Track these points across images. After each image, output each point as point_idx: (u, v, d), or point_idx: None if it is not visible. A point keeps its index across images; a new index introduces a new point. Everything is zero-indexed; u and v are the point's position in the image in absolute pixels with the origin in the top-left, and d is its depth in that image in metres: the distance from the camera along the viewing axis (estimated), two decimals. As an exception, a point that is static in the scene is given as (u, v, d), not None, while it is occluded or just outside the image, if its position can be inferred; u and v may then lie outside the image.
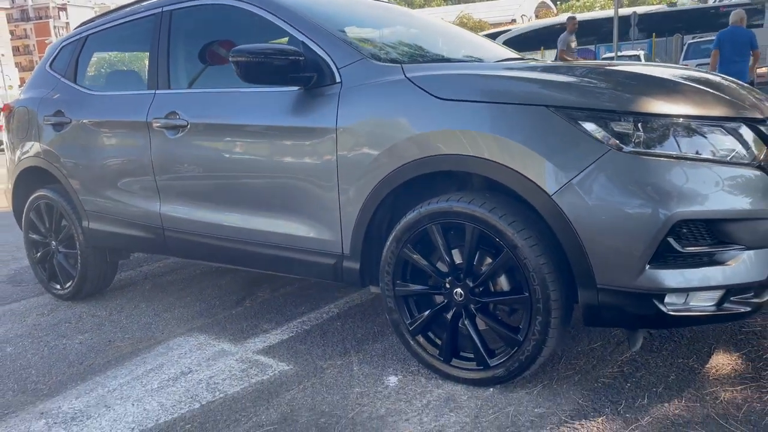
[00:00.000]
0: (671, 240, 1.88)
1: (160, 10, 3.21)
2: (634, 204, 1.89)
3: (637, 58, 21.63)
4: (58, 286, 3.86)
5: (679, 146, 1.92)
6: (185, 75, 3.18)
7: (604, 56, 23.26)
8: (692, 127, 1.95)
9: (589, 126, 1.94)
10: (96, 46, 3.70)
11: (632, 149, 1.91)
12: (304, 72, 2.49)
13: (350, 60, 2.49)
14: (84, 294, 3.79)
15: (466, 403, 2.18)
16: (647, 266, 1.90)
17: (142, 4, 3.35)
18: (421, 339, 2.39)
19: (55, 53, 3.85)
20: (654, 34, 25.99)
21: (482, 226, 2.12)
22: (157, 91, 3.11)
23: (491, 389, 2.25)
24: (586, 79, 2.11)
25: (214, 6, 2.97)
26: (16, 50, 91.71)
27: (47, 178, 3.77)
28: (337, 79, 2.48)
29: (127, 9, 3.46)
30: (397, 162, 2.27)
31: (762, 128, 2.06)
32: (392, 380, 2.43)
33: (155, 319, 3.39)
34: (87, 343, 3.11)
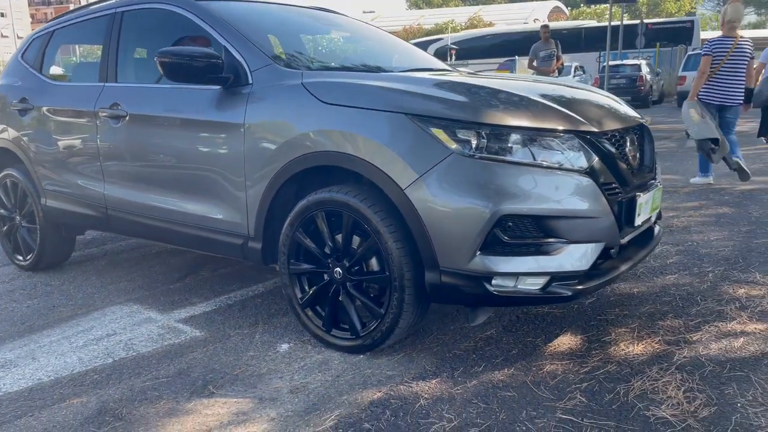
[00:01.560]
0: (498, 231, 2.21)
1: (113, 10, 3.56)
2: (468, 200, 2.21)
3: (638, 68, 21.82)
4: (20, 258, 4.22)
5: (514, 153, 2.24)
6: (130, 70, 3.53)
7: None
8: (528, 137, 2.27)
9: (437, 132, 2.26)
10: (62, 39, 4.05)
11: (472, 153, 2.23)
12: (222, 73, 2.83)
13: (261, 64, 2.82)
14: (43, 266, 4.15)
15: (336, 366, 2.51)
16: (478, 253, 2.22)
17: (101, 4, 3.70)
18: (309, 312, 2.72)
19: (27, 45, 4.20)
20: (658, 44, 26.19)
21: (355, 214, 2.45)
22: (106, 84, 3.46)
23: (361, 356, 2.58)
24: (445, 91, 2.43)
25: (157, 10, 3.30)
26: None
27: (14, 159, 4.13)
28: (249, 81, 2.81)
29: (91, 7, 3.81)
30: (289, 156, 2.60)
31: (598, 140, 2.38)
32: (284, 347, 2.76)
33: (100, 290, 3.75)
34: (33, 308, 3.47)
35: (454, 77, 2.75)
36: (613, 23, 14.64)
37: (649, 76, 21.91)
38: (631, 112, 2.84)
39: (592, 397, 2.15)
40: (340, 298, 2.62)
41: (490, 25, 44.94)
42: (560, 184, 2.25)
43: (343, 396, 2.25)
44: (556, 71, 10.13)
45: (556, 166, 2.26)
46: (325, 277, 2.65)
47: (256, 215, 2.79)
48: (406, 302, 2.39)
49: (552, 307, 2.97)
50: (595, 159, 2.34)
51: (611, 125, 2.51)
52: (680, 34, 26.39)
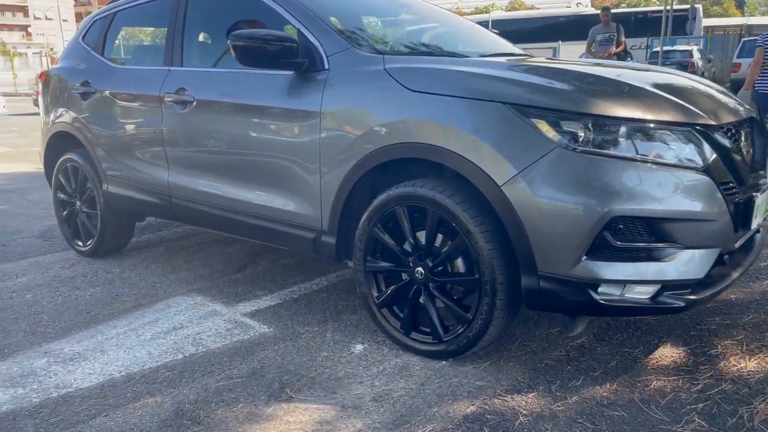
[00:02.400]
0: (607, 234, 2.02)
1: (179, -9, 3.43)
2: (575, 199, 2.02)
3: (689, 54, 21.04)
4: (80, 243, 4.18)
5: (625, 148, 2.04)
6: (196, 54, 3.41)
7: (654, 50, 22.67)
8: (640, 130, 2.06)
9: (540, 123, 2.07)
10: (123, 22, 3.96)
11: (579, 148, 2.04)
12: (296, 58, 2.68)
13: (338, 48, 2.66)
14: (102, 252, 4.10)
15: (418, 373, 2.37)
16: (583, 257, 2.04)
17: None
18: (385, 312, 2.58)
19: (88, 27, 4.13)
20: (711, 29, 25.19)
21: (441, 210, 2.29)
22: (171, 68, 3.35)
23: (444, 362, 2.43)
24: (545, 78, 2.24)
25: (226, -9, 3.17)
26: (78, 17, 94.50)
27: (74, 143, 4.08)
28: (326, 66, 2.66)
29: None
30: (370, 147, 2.44)
31: (714, 134, 2.16)
32: (358, 348, 2.63)
33: (161, 278, 3.67)
34: (97, 296, 3.41)
35: (551, 63, 2.55)
36: (653, 8, 14.02)
37: (700, 63, 21.13)
38: (741, 103, 2.60)
39: (712, 420, 1.95)
40: (420, 300, 2.46)
41: (532, 8, 44.00)
42: (676, 183, 2.04)
43: (432, 408, 2.10)
44: (615, 56, 9.73)
45: (672, 162, 2.05)
46: (405, 276, 2.50)
47: (330, 208, 2.65)
48: (498, 308, 2.23)
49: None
50: (713, 155, 2.12)
51: (727, 118, 2.28)
52: (678, 23, 25.15)
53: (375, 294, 2.59)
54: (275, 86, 2.81)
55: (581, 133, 2.04)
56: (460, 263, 2.36)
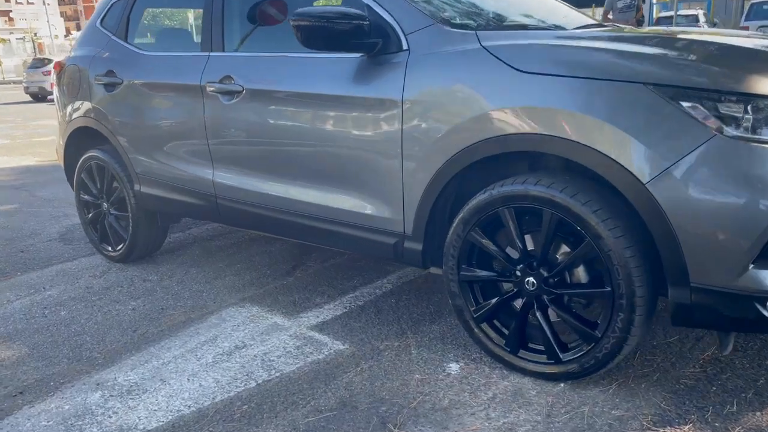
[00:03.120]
0: (781, 238, 1.70)
1: (214, -34, 3.05)
2: (739, 196, 1.70)
3: (695, 18, 20.57)
4: (110, 248, 3.85)
5: (794, 133, 1.71)
6: (240, 37, 3.04)
7: (660, 15, 22.18)
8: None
9: (692, 107, 1.74)
10: (147, 2, 3.58)
11: (740, 134, 1.71)
12: (368, 38, 2.32)
13: (419, 25, 2.31)
14: (135, 257, 3.77)
15: (536, 399, 2.06)
16: (751, 265, 1.72)
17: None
18: (485, 327, 2.27)
19: (106, 9, 3.73)
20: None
21: (562, 212, 1.96)
22: (211, 54, 2.99)
23: (561, 385, 2.13)
24: (686, 53, 1.89)
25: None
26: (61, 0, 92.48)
27: (98, 139, 3.72)
28: (404, 47, 2.31)
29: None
30: (469, 139, 2.10)
31: None
32: (453, 367, 2.32)
33: (206, 286, 3.35)
34: (140, 310, 3.08)
35: (677, 34, 2.20)
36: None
37: (706, 27, 20.68)
38: None
39: None
40: (530, 313, 2.15)
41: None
42: None
43: (575, 448, 1.80)
44: (636, 24, 9.31)
45: None
46: (509, 287, 2.19)
47: (416, 211, 2.32)
48: (635, 325, 1.91)
49: None
50: None
51: None
52: None
53: (472, 307, 2.27)
54: (341, 72, 2.46)
55: (746, 118, 1.71)
56: (581, 273, 2.05)
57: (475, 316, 2.27)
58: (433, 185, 2.24)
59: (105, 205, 3.81)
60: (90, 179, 3.84)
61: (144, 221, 3.63)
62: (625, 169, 1.81)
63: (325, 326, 2.76)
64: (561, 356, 2.09)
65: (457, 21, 2.42)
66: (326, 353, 2.51)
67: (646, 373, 2.16)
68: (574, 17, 2.97)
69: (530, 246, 2.13)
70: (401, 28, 2.33)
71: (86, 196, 3.92)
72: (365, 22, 2.29)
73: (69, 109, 3.81)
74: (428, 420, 2.00)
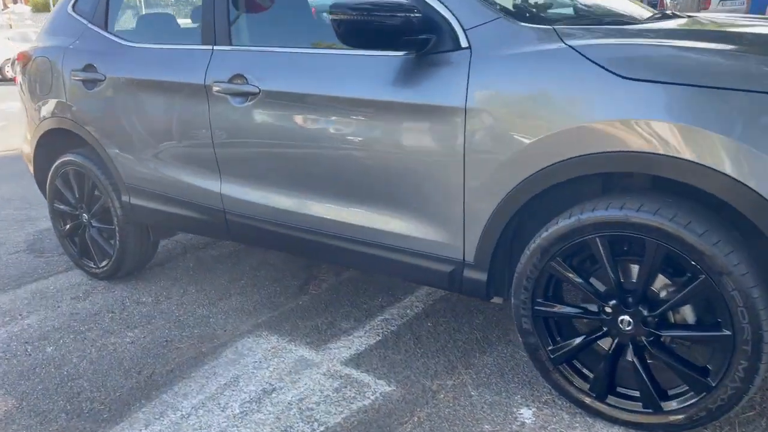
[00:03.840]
0: None
1: (214, -56, 2.62)
2: None
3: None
4: (92, 264, 3.42)
5: None
6: (251, 28, 2.64)
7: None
8: None
9: None
10: None
11: None
12: (418, 34, 1.97)
13: (483, 19, 1.96)
14: (122, 273, 3.35)
15: (636, 456, 1.80)
16: None
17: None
18: (565, 369, 1.98)
19: (79, -7, 3.25)
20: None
21: (671, 243, 1.67)
22: (216, 47, 2.57)
23: (660, 435, 1.86)
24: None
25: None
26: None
27: (76, 142, 3.26)
28: (463, 44, 1.96)
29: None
30: (554, 157, 1.79)
31: None
32: (526, 414, 2.04)
33: (211, 310, 2.97)
34: (140, 343, 2.69)
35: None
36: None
37: (668, 0, 20.67)
38: None
39: None
40: (621, 355, 1.87)
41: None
42: None
43: None
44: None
45: None
46: (597, 324, 1.90)
47: (480, 236, 2.00)
48: (760, 374, 1.65)
49: None
50: None
51: None
52: None
53: (549, 347, 1.98)
54: (381, 72, 2.11)
55: None
56: (687, 312, 1.77)
57: (552, 356, 1.98)
58: (503, 208, 1.92)
59: (85, 216, 3.36)
60: (66, 187, 3.39)
61: (133, 235, 3.22)
62: (762, 197, 1.52)
63: (361, 360, 2.44)
64: (662, 405, 1.82)
65: (528, 15, 2.08)
66: (372, 398, 2.19)
67: (751, 419, 1.91)
68: (628, 5, 2.65)
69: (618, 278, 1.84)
70: (459, 23, 1.98)
71: (62, 206, 3.46)
72: (418, 16, 1.94)
73: (38, 107, 3.33)
74: (518, 489, 1.72)
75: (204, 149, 2.64)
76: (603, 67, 1.70)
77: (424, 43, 2.00)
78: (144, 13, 3.17)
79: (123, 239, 3.21)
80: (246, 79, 2.42)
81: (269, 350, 2.56)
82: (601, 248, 1.80)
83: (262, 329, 2.74)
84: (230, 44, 2.56)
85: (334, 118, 2.23)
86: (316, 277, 3.25)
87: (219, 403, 2.22)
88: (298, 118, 2.32)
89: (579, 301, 1.97)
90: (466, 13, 1.98)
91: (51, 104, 3.23)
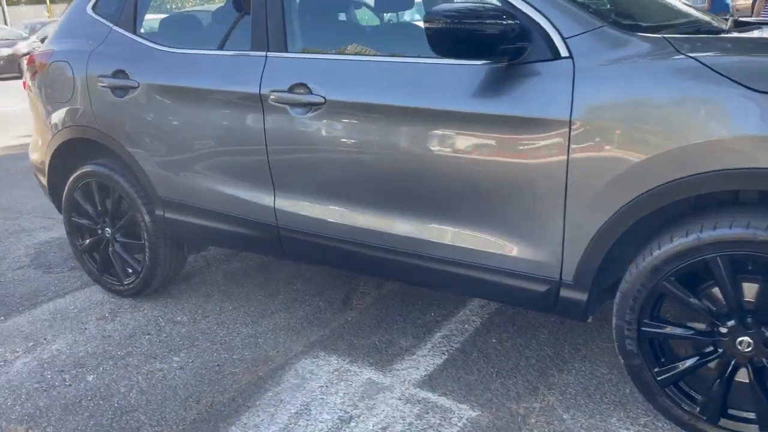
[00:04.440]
0: None
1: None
2: None
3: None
4: (115, 281, 3.22)
5: None
6: (310, 34, 2.48)
7: None
8: None
9: None
10: None
11: None
12: (515, 42, 1.86)
13: (584, 28, 1.87)
14: (150, 291, 3.17)
15: (761, 483, 1.74)
16: None
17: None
18: (672, 392, 1.91)
19: (99, -8, 3.04)
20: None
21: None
22: (270, 54, 2.42)
23: (777, 458, 1.81)
24: None
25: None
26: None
27: (100, 152, 3.06)
28: (563, 54, 1.86)
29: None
30: (675, 173, 1.70)
31: None
32: (631, 440, 1.96)
33: (256, 328, 2.82)
34: (189, 369, 2.53)
35: None
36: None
37: None
38: None
39: None
40: (737, 378, 1.81)
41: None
42: None
43: None
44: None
45: None
46: (712, 348, 1.83)
47: (582, 255, 1.91)
48: None
49: None
50: None
51: None
52: None
53: (656, 368, 1.90)
54: (467, 82, 2.00)
55: None
56: (812, 332, 1.71)
57: (659, 379, 1.90)
58: (612, 226, 1.83)
59: (108, 230, 3.16)
60: (87, 200, 3.18)
61: (164, 250, 3.03)
62: None
63: (435, 382, 2.33)
64: (782, 428, 1.77)
65: (623, 22, 1.99)
66: (459, 424, 2.09)
67: None
68: (686, 12, 2.58)
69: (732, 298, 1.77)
70: (558, 31, 1.88)
71: (81, 220, 3.25)
72: (516, 23, 1.83)
73: (55, 116, 3.11)
74: None
75: (256, 161, 2.49)
76: (736, 81, 1.62)
77: (518, 51, 1.89)
78: (176, 14, 2.97)
79: (153, 255, 3.02)
80: (309, 89, 2.27)
81: (332, 373, 2.43)
82: (722, 268, 1.72)
83: (317, 349, 2.61)
84: (286, 51, 2.40)
85: (412, 130, 2.11)
86: (356, 290, 3.13)
87: (296, 435, 2.09)
88: (372, 131, 2.19)
89: (685, 320, 1.89)
90: (565, 21, 1.88)
91: (72, 112, 3.02)
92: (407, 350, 2.56)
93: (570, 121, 1.82)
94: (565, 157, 1.85)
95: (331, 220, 2.39)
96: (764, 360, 1.76)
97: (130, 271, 3.16)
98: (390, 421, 2.12)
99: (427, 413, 2.15)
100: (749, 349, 1.76)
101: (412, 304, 2.93)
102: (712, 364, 1.85)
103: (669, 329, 1.88)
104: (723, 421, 1.85)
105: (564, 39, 1.87)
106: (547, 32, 1.89)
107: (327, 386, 2.35)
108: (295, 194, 2.45)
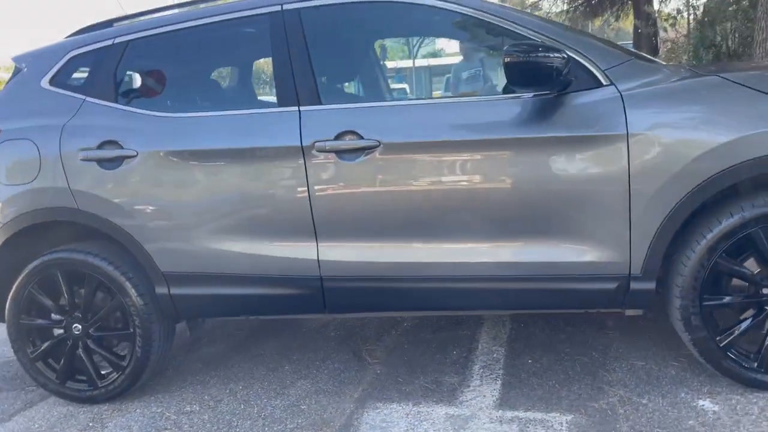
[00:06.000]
0: None
1: (275, 8, 2.55)
2: None
3: None
4: (85, 386, 2.79)
5: None
6: (341, 87, 2.58)
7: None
8: None
9: None
10: (143, 55, 2.78)
11: None
12: (567, 74, 2.20)
13: (618, 60, 2.28)
14: (135, 388, 2.79)
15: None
16: None
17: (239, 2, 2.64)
18: (733, 354, 2.25)
19: (58, 66, 2.80)
20: None
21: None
22: (303, 108, 2.46)
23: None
24: None
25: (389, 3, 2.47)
26: None
27: (69, 235, 2.73)
28: (605, 82, 2.23)
29: (208, 7, 2.69)
30: (714, 168, 2.10)
31: None
32: (708, 406, 2.24)
33: (289, 399, 2.64)
34: (249, 448, 2.29)
35: None
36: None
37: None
38: None
39: None
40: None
41: None
42: None
43: None
44: None
45: None
46: (757, 306, 2.23)
47: (648, 248, 2.22)
48: None
49: None
50: None
51: None
52: None
53: (718, 336, 2.24)
54: (520, 113, 2.28)
55: None
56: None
57: (722, 345, 2.24)
58: (673, 218, 2.17)
59: (78, 326, 2.76)
60: (46, 294, 2.76)
61: (158, 336, 2.73)
62: None
63: (510, 403, 2.41)
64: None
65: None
66: (565, 428, 2.20)
67: None
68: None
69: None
70: (596, 65, 2.25)
71: (35, 321, 2.80)
72: (565, 58, 2.17)
73: (7, 200, 2.72)
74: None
75: (296, 213, 2.45)
76: (753, 88, 2.11)
77: (567, 83, 2.22)
78: (166, 82, 2.83)
79: (146, 343, 2.70)
80: (359, 134, 2.36)
81: (407, 416, 2.39)
82: (764, 238, 2.14)
83: (371, 401, 2.54)
84: (320, 103, 2.47)
85: (472, 160, 2.30)
86: (361, 348, 3.09)
87: (424, 475, 2.02)
88: (432, 165, 2.33)
89: (731, 290, 2.27)
90: (600, 56, 2.27)
91: (35, 194, 2.67)
92: (460, 385, 2.61)
93: (627, 134, 2.16)
94: (626, 166, 2.17)
95: (387, 261, 2.42)
96: (800, 311, 2.18)
97: (110, 369, 2.78)
98: (503, 442, 2.16)
99: (528, 427, 2.23)
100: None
101: (427, 349, 2.99)
102: (761, 324, 2.23)
103: (727, 300, 2.24)
104: (772, 374, 2.23)
105: (603, 70, 2.24)
106: (585, 65, 2.25)
107: (412, 428, 2.30)
108: (344, 240, 2.45)
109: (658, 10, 14.29)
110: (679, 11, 12.84)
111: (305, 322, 3.50)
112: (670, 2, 13.94)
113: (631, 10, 14.66)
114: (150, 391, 2.85)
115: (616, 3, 15.69)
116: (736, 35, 8.79)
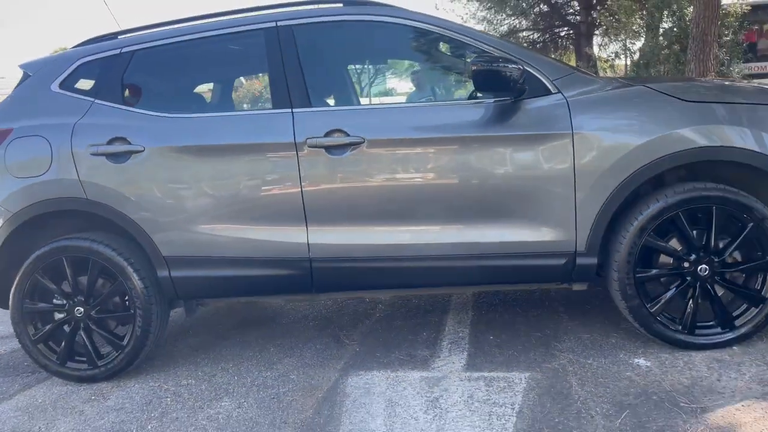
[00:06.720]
0: None
1: (273, 24, 2.94)
2: None
3: None
4: (85, 366, 3.02)
5: None
6: (326, 92, 2.96)
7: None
8: None
9: None
10: (150, 63, 3.10)
11: None
12: (523, 83, 2.63)
13: (563, 73, 2.74)
14: (132, 367, 3.03)
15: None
16: None
17: (249, 15, 3.02)
18: (662, 318, 2.68)
19: (68, 70, 3.09)
20: None
21: (732, 206, 2.56)
22: (295, 110, 2.82)
23: (735, 347, 2.66)
24: None
25: (372, 23, 2.89)
26: None
27: (77, 224, 2.99)
28: (553, 90, 2.68)
29: (208, 22, 3.05)
30: (643, 161, 2.56)
31: None
32: (642, 363, 2.65)
33: (279, 370, 2.92)
34: (248, 405, 2.58)
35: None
36: None
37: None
38: None
39: None
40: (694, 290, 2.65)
41: None
42: None
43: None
44: None
45: None
46: (677, 278, 2.67)
47: (591, 229, 2.65)
48: (790, 280, 2.59)
49: None
50: None
51: None
52: None
53: (648, 304, 2.67)
54: (484, 115, 2.71)
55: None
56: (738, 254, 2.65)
57: (652, 310, 2.67)
58: (610, 203, 2.61)
59: (81, 309, 2.99)
60: (52, 280, 3.00)
61: (156, 317, 2.99)
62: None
63: (477, 366, 2.77)
64: (735, 323, 2.64)
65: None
66: (524, 383, 2.57)
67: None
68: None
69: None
70: (545, 76, 2.71)
71: (39, 304, 3.02)
72: (521, 68, 2.61)
73: (18, 191, 2.97)
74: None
75: (288, 203, 2.79)
76: (671, 96, 2.59)
77: (522, 90, 2.66)
78: (170, 87, 3.15)
79: (145, 323, 2.95)
80: (345, 132, 2.74)
81: (387, 379, 2.71)
82: (682, 219, 2.60)
83: (354, 370, 2.85)
84: (310, 106, 2.84)
85: (442, 154, 2.71)
86: (339, 331, 3.39)
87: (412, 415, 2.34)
88: (413, 158, 2.73)
89: (659, 265, 2.71)
90: (549, 68, 2.73)
91: (46, 186, 2.93)
92: (431, 356, 2.95)
93: (572, 132, 2.60)
94: (572, 160, 2.61)
95: (368, 243, 2.77)
96: (717, 278, 2.63)
97: (110, 349, 3.01)
98: (471, 392, 2.51)
99: (492, 382, 2.59)
100: (706, 272, 2.62)
101: (399, 332, 3.32)
102: (684, 293, 2.67)
103: (655, 272, 2.67)
104: (697, 332, 2.66)
105: (551, 80, 2.70)
106: (536, 77, 2.70)
107: (392, 387, 2.62)
108: (330, 225, 2.79)
109: (598, 55, 15.35)
110: (617, 54, 13.94)
111: (286, 313, 3.80)
112: (609, 47, 15.13)
113: (573, 54, 15.80)
114: (144, 372, 3.08)
115: (559, 47, 16.83)
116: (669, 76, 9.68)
